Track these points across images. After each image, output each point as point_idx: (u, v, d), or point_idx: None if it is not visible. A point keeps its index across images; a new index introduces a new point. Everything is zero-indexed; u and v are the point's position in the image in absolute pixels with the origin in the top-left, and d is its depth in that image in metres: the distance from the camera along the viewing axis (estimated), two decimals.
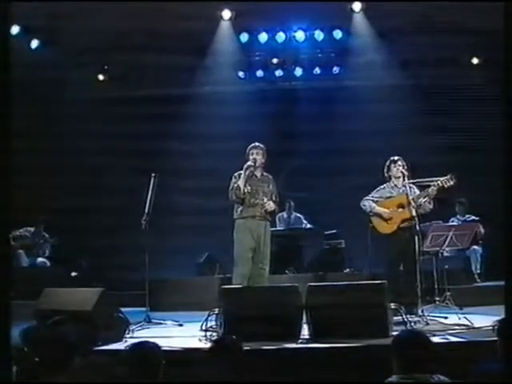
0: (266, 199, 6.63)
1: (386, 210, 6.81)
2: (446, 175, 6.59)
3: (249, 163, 6.64)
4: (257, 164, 6.68)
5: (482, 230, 8.68)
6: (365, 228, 6.96)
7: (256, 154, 6.68)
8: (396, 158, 6.92)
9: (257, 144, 6.75)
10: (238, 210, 6.68)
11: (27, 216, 8.84)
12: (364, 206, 6.94)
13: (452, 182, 6.57)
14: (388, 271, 6.70)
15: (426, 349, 3.04)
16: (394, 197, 6.88)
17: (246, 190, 6.56)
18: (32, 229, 9.61)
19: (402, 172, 6.76)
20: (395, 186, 6.94)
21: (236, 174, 6.70)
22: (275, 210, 6.76)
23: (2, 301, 2.48)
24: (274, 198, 6.75)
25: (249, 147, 6.73)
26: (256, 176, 6.73)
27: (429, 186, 6.66)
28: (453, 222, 8.92)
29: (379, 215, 6.84)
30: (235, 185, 6.62)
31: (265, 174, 6.83)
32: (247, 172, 6.61)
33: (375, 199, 6.95)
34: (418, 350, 3.01)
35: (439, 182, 6.59)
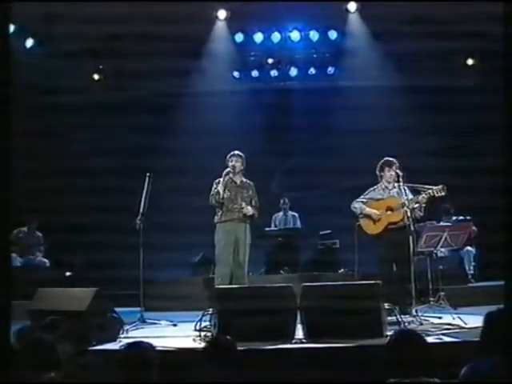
0: (244, 204, 6.94)
1: (376, 212, 6.84)
2: (438, 185, 6.60)
3: (227, 169, 6.97)
4: (236, 170, 7.00)
5: (475, 229, 8.64)
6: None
7: (235, 162, 7.00)
8: (391, 160, 6.89)
9: (236, 152, 7.06)
10: (218, 215, 7.00)
11: (19, 216, 8.78)
12: (354, 208, 6.97)
13: (443, 193, 6.57)
14: (380, 272, 6.71)
15: (421, 351, 3.02)
16: (384, 199, 6.91)
17: (225, 195, 6.89)
18: (25, 229, 9.56)
19: (394, 176, 6.76)
20: (386, 187, 6.95)
21: (216, 180, 6.99)
22: (254, 214, 7.00)
23: (2, 302, 2.47)
24: (253, 203, 7.04)
25: (228, 155, 7.04)
26: (235, 182, 7.03)
27: (421, 192, 6.67)
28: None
29: (368, 216, 6.87)
30: (215, 190, 6.92)
31: (244, 180, 7.13)
32: (226, 178, 6.92)
33: (365, 200, 6.97)
34: (413, 353, 2.99)
35: (431, 191, 6.58)
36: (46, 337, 3.64)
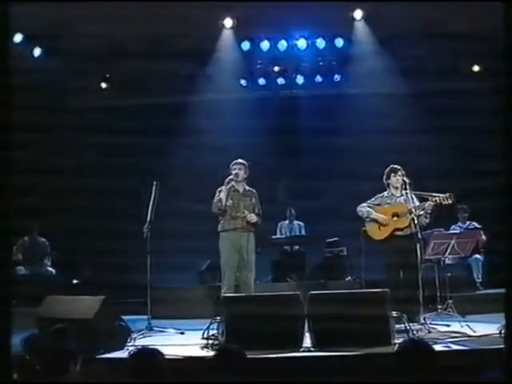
0: (247, 212, 6.92)
1: (384, 216, 6.84)
2: (445, 191, 6.59)
3: (230, 177, 6.95)
4: (238, 178, 6.98)
5: (484, 238, 8.61)
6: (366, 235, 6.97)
7: (238, 169, 6.99)
8: (396, 167, 6.93)
9: (239, 160, 7.04)
10: (221, 223, 7.00)
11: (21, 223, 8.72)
12: (360, 211, 6.99)
13: (450, 201, 6.56)
14: (387, 279, 6.70)
15: (430, 361, 3.01)
16: (391, 205, 6.92)
17: (227, 204, 6.88)
18: (26, 238, 9.40)
19: (401, 182, 6.77)
20: (393, 194, 6.98)
21: (219, 188, 6.99)
22: (257, 221, 6.99)
23: (3, 308, 2.48)
24: (256, 211, 7.02)
25: (231, 163, 7.03)
26: (238, 191, 7.02)
27: (428, 200, 6.66)
28: (454, 229, 8.89)
29: (375, 221, 6.87)
30: (217, 198, 6.93)
31: (248, 188, 7.11)
32: (228, 186, 6.92)
33: (372, 206, 6.98)
34: (421, 362, 2.97)
35: (437, 198, 6.57)
36: (53, 344, 3.65)
